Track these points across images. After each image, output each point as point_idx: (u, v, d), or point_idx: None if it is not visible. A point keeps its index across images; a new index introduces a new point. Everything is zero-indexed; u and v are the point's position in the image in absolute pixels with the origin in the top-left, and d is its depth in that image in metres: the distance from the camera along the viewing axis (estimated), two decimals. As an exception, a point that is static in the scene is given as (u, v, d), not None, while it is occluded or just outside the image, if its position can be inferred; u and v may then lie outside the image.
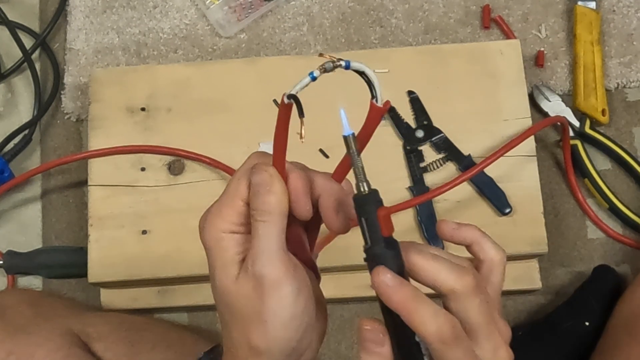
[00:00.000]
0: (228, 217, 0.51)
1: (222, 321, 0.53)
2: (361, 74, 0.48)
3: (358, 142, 0.49)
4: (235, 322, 0.51)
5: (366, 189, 0.49)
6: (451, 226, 0.53)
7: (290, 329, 0.50)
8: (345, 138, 0.49)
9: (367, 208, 0.49)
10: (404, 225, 0.88)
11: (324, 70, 0.48)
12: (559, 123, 0.94)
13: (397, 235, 0.92)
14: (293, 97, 0.48)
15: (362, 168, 0.48)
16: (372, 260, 0.49)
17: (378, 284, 0.48)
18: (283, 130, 0.50)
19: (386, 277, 0.48)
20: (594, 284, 0.91)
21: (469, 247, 0.53)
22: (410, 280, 0.49)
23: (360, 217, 0.49)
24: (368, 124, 0.49)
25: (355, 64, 0.47)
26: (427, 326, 0.46)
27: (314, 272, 0.55)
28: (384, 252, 0.49)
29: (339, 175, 0.53)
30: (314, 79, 0.48)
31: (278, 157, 0.51)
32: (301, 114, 0.49)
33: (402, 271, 0.49)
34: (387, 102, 0.48)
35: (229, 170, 0.89)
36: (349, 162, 0.50)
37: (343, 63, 0.47)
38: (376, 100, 0.48)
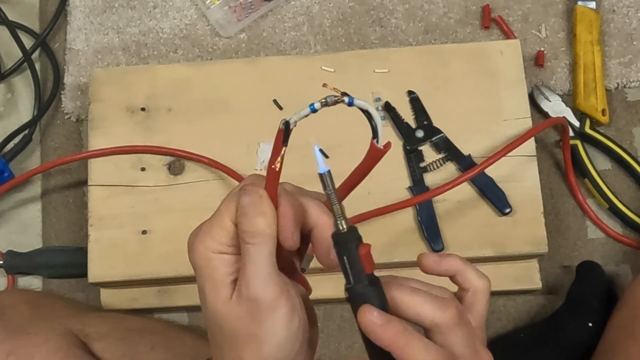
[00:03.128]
0: (217, 237, 0.50)
1: (214, 342, 0.53)
2: (364, 112, 0.47)
3: (353, 178, 0.49)
4: (227, 344, 0.51)
5: (345, 226, 0.48)
6: (433, 259, 0.53)
7: (286, 348, 0.50)
8: (321, 176, 0.48)
9: (348, 246, 0.48)
10: (404, 226, 0.88)
11: (325, 104, 0.47)
12: (560, 124, 0.94)
13: (398, 235, 0.92)
14: (285, 124, 0.47)
15: (341, 205, 0.48)
16: (356, 299, 0.48)
17: (365, 323, 0.47)
18: (278, 155, 0.49)
19: (373, 315, 0.47)
20: (589, 282, 0.91)
21: (452, 278, 0.53)
22: None
23: (341, 256, 0.48)
24: (366, 163, 0.48)
25: (359, 102, 0.46)
26: None
27: (304, 285, 0.54)
28: (367, 290, 0.48)
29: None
30: (314, 110, 0.47)
31: (271, 181, 0.50)
32: (285, 142, 0.48)
33: (386, 307, 0.48)
34: (389, 143, 0.47)
35: (228, 171, 0.89)
36: (343, 189, 0.50)
37: (347, 100, 0.46)
38: (377, 141, 0.47)
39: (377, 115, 0.47)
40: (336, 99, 0.46)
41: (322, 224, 0.50)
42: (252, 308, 0.49)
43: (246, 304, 0.49)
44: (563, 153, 0.95)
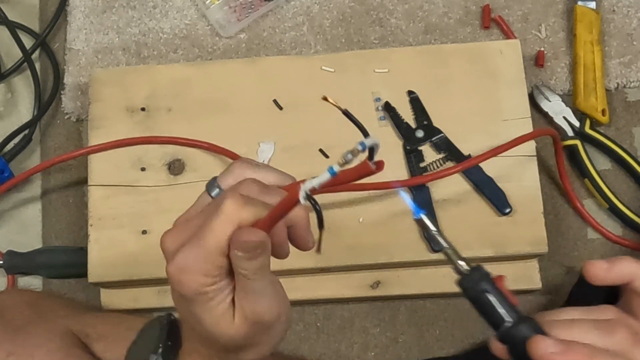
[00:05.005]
0: (211, 272, 0.49)
1: (206, 345, 0.54)
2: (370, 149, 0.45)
3: (337, 182, 0.46)
4: (227, 351, 0.52)
5: (467, 266, 0.44)
6: (602, 267, 0.47)
7: (278, 342, 0.52)
8: (419, 221, 0.45)
9: (484, 286, 0.44)
10: (404, 226, 0.88)
11: (344, 162, 0.44)
12: (550, 135, 0.92)
13: (398, 235, 0.92)
14: (310, 199, 0.44)
15: (453, 247, 0.45)
16: (519, 336, 0.44)
17: (546, 356, 0.43)
18: (282, 213, 0.46)
19: (548, 343, 0.43)
20: (588, 283, 0.91)
21: (626, 285, 0.47)
22: None
23: (481, 300, 0.44)
24: (352, 175, 0.46)
25: (369, 141, 0.44)
26: None
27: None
28: (528, 323, 0.44)
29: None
30: (334, 174, 0.43)
31: (270, 221, 0.48)
32: (321, 225, 0.46)
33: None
34: (381, 163, 0.45)
35: (230, 154, 0.89)
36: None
37: (360, 147, 0.43)
38: (371, 162, 0.45)
39: (375, 144, 0.45)
40: (352, 154, 0.44)
41: (300, 220, 0.50)
42: (258, 326, 0.50)
43: (251, 324, 0.50)
44: (557, 162, 0.94)
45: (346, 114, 0.45)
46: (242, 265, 0.48)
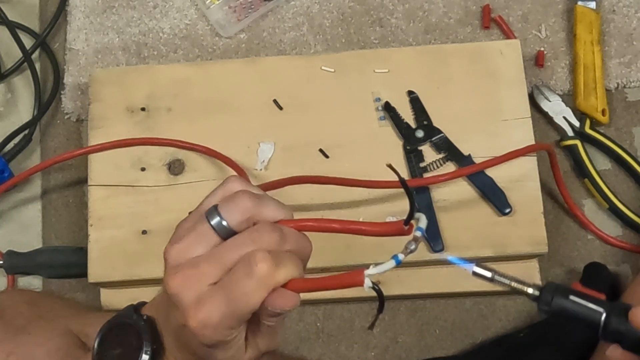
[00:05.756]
0: (236, 327, 0.51)
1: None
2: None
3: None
4: None
5: (536, 290, 0.47)
6: None
7: None
8: (475, 274, 0.47)
9: (563, 293, 0.46)
10: (404, 225, 0.88)
11: (410, 252, 0.46)
12: (545, 150, 0.91)
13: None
14: (376, 290, 0.46)
15: (516, 279, 0.47)
16: (620, 318, 0.46)
17: None
18: (331, 288, 0.48)
19: None
20: (594, 284, 0.91)
21: None
22: None
23: (566, 305, 0.46)
24: (373, 231, 0.49)
25: (423, 223, 0.46)
26: None
27: None
28: (622, 305, 0.46)
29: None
30: (399, 263, 0.46)
31: (309, 289, 0.50)
32: (381, 310, 0.47)
33: None
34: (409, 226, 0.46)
35: (226, 160, 0.89)
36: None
37: (419, 233, 0.46)
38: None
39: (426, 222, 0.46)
40: (414, 241, 0.46)
41: (308, 258, 0.54)
42: (268, 353, 0.54)
43: (262, 353, 0.53)
44: (554, 176, 0.93)
45: (403, 183, 0.46)
46: (270, 319, 0.51)
